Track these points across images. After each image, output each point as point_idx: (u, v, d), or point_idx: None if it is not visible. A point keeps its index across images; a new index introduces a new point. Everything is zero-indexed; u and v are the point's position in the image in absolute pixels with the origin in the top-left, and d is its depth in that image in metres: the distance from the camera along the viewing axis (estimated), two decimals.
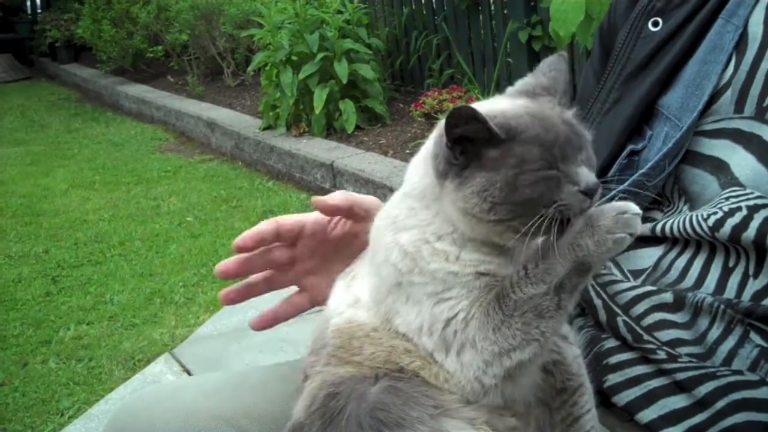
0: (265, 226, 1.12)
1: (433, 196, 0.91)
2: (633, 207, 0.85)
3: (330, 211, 1.13)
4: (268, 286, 1.17)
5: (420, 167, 0.95)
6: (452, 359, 0.89)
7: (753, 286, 0.99)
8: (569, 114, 0.90)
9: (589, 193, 0.84)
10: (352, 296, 0.99)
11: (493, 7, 5.71)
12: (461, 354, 0.88)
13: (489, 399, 0.89)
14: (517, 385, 0.90)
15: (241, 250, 1.11)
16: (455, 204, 0.87)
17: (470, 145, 0.85)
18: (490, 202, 0.84)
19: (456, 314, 0.88)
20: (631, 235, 0.84)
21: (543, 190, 0.83)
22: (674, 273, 1.06)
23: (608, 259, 0.95)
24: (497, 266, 0.89)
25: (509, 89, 0.98)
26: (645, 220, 1.10)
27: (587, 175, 0.85)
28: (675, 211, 1.11)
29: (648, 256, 1.09)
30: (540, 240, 0.86)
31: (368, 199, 1.13)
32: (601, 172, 1.15)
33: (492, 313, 0.87)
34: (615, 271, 1.11)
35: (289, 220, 1.13)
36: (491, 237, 0.88)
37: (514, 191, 0.84)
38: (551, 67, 0.98)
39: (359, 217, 1.12)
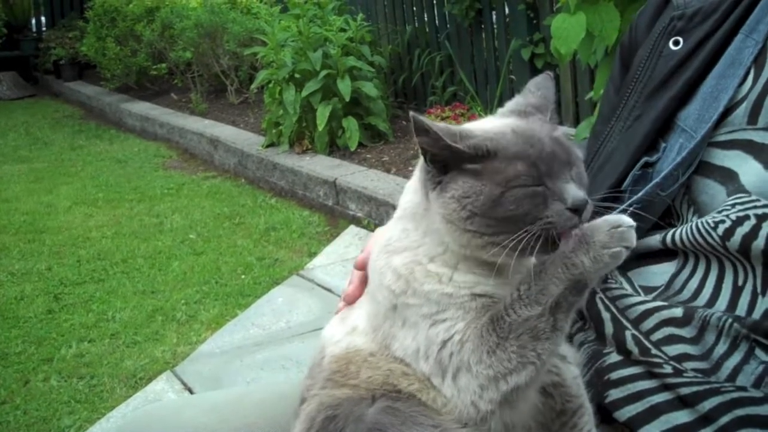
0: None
1: (422, 213, 0.91)
2: (627, 220, 0.84)
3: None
4: None
5: (412, 188, 0.96)
6: (448, 383, 0.88)
7: (763, 303, 0.99)
8: (559, 131, 0.91)
9: (576, 210, 0.83)
10: (349, 325, 0.99)
11: (495, 25, 5.73)
12: (457, 378, 0.87)
13: (487, 425, 0.88)
14: (515, 410, 0.89)
15: None
16: (438, 213, 0.87)
17: (451, 163, 0.86)
18: (469, 211, 0.84)
19: (452, 336, 0.87)
20: (627, 248, 0.83)
21: (528, 207, 0.83)
22: (687, 293, 1.06)
23: (604, 274, 0.94)
24: (493, 288, 0.88)
25: (500, 110, 0.99)
26: (656, 232, 1.10)
27: (575, 192, 0.84)
28: (684, 223, 1.11)
29: (661, 272, 1.09)
30: (533, 260, 0.86)
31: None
32: (616, 185, 1.15)
33: (486, 335, 0.85)
34: (626, 285, 1.10)
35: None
36: (476, 252, 0.87)
37: (497, 206, 0.83)
38: (539, 87, 0.99)
39: None
